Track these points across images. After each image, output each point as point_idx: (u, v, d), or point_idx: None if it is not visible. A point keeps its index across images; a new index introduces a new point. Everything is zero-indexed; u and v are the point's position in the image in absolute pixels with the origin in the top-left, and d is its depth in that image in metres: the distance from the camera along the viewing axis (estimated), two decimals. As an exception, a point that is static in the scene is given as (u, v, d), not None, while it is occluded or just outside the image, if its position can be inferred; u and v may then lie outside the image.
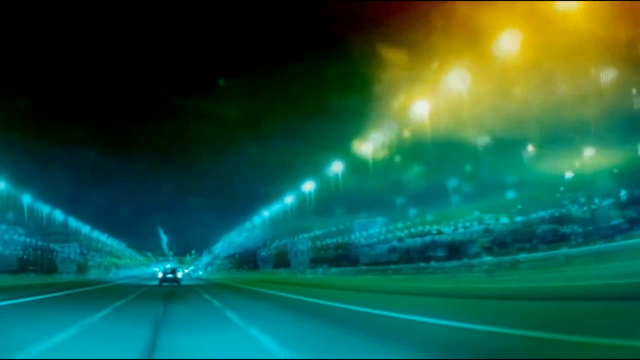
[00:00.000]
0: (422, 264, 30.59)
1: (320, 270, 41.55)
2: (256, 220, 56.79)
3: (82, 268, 51.98)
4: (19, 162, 39.47)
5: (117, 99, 47.04)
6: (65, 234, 51.24)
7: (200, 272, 66.82)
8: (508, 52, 22.68)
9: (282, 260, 47.69)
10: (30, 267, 45.28)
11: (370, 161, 35.11)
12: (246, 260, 57.94)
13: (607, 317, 8.36)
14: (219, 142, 49.47)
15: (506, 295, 14.11)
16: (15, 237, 44.83)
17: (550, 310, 10.59)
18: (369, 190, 36.08)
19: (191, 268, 67.15)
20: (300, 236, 46.74)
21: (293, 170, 44.54)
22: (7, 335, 8.65)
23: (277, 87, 41.62)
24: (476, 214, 29.69)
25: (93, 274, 52.90)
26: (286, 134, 42.32)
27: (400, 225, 35.82)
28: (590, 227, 22.66)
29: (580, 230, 23.08)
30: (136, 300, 18.34)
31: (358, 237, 40.10)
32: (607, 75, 20.47)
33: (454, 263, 27.77)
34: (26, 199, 44.46)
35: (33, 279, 40.98)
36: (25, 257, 45.34)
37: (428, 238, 32.45)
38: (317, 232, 45.04)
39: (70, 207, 50.52)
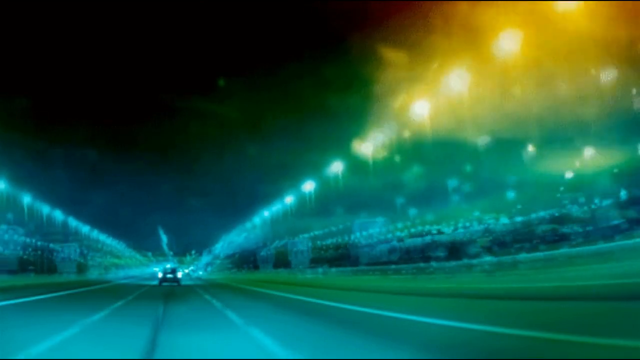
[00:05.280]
0: (422, 264, 30.64)
1: (320, 270, 41.58)
2: (256, 220, 56.82)
3: (82, 268, 52.15)
4: (19, 162, 39.50)
5: (117, 99, 47.07)
6: (65, 234, 51.34)
7: (200, 272, 66.81)
8: (508, 52, 22.68)
9: (282, 261, 47.77)
10: (30, 267, 45.38)
11: (371, 161, 35.13)
12: (246, 260, 57.94)
13: (607, 317, 8.37)
14: (219, 142, 49.51)
15: (506, 296, 14.11)
16: (15, 237, 44.96)
17: (550, 310, 10.60)
18: (369, 190, 36.11)
19: (191, 268, 67.14)
20: (301, 236, 46.82)
21: (293, 170, 44.58)
22: (8, 335, 8.67)
23: (277, 87, 41.65)
24: (476, 214, 29.77)
25: (93, 274, 53.02)
26: (286, 134, 42.36)
27: (400, 225, 35.94)
28: (590, 227, 22.72)
29: (580, 230, 23.14)
30: (136, 300, 18.35)
31: (358, 237, 40.17)
32: (607, 75, 20.49)
33: (453, 263, 27.79)
34: (26, 199, 44.51)
35: (32, 278, 41.17)
36: (25, 257, 45.53)
37: (428, 238, 32.54)
38: (317, 232, 45.07)
39: (71, 207, 50.57)
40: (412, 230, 34.47)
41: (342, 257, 40.50)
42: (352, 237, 40.67)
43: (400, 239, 35.28)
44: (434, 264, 29.47)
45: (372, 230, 38.75)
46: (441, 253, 30.15)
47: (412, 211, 34.44)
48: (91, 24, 38.05)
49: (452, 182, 29.80)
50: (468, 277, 23.70)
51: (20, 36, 36.01)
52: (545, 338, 6.88)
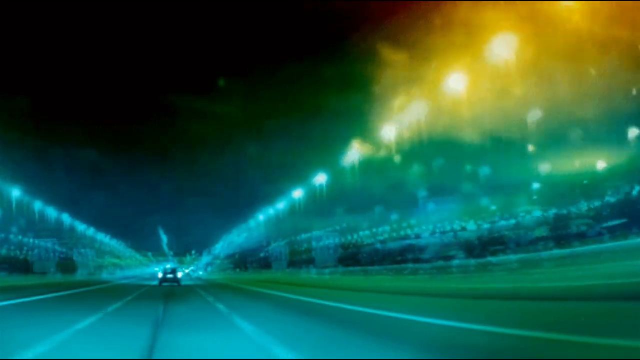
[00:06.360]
0: (410, 265, 31.33)
1: (313, 271, 42.16)
2: (256, 220, 56.89)
3: (94, 269, 53.61)
4: (19, 162, 39.51)
5: (117, 99, 47.05)
6: (71, 238, 51.85)
7: (200, 272, 66.82)
8: (507, 53, 22.71)
9: (266, 263, 49.07)
10: (52, 269, 47.11)
11: (370, 161, 35.23)
12: (246, 260, 58.09)
13: (607, 317, 8.38)
14: (219, 142, 49.49)
15: (499, 295, 14.27)
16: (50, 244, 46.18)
17: (541, 310, 10.74)
18: (368, 190, 36.17)
19: (191, 268, 67.13)
20: (298, 237, 47.25)
21: (293, 170, 44.60)
22: (8, 334, 8.68)
23: (277, 87, 41.67)
24: (454, 218, 30.45)
25: (103, 275, 54.06)
26: (286, 134, 42.39)
27: (388, 228, 36.61)
28: (562, 232, 23.24)
29: (552, 234, 23.71)
30: (136, 300, 18.37)
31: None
32: (605, 76, 20.52)
33: (435, 264, 28.63)
34: (26, 199, 44.71)
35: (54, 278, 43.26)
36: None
37: (407, 242, 33.44)
38: (316, 233, 45.14)
39: (71, 208, 50.68)
40: (396, 234, 35.37)
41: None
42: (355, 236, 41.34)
43: (383, 242, 36.07)
44: (410, 265, 30.26)
45: (326, 242, 42.13)
46: (423, 255, 30.93)
47: (409, 212, 34.99)
48: (91, 23, 38.07)
49: (450, 184, 30.13)
50: (447, 277, 24.50)
51: (20, 36, 36.03)
52: (545, 338, 6.89)
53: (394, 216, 36.03)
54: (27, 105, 39.34)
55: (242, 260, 58.84)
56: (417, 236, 32.93)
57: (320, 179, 43.08)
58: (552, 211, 24.80)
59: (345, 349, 7.15)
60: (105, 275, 55.79)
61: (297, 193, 46.42)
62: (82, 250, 55.99)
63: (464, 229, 29.66)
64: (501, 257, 24.29)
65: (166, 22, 39.73)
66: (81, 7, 35.56)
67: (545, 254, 21.92)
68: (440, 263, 28.07)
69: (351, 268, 38.53)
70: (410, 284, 23.09)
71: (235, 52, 41.63)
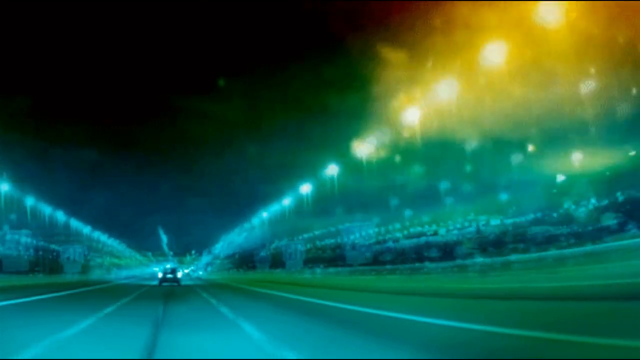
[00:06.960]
0: (417, 265, 30.87)
1: (318, 270, 41.77)
2: (256, 220, 56.87)
3: (85, 269, 53.36)
4: (19, 162, 39.51)
5: (117, 99, 47.08)
6: (67, 235, 51.73)
7: (200, 272, 66.84)
8: (506, 53, 22.71)
9: (278, 261, 48.22)
10: (37, 268, 47.10)
11: (371, 162, 35.21)
12: (246, 260, 58.02)
13: (606, 317, 8.38)
14: (219, 142, 49.56)
15: (499, 295, 14.20)
16: (23, 239, 45.89)
17: (541, 310, 10.69)
18: (369, 190, 36.15)
19: (191, 268, 67.17)
20: (300, 237, 46.96)
21: (293, 171, 44.59)
22: (9, 333, 8.68)
23: (277, 87, 41.69)
24: (470, 215, 30.08)
25: (96, 274, 53.78)
26: (286, 134, 42.39)
27: (398, 226, 36.20)
28: (581, 229, 22.94)
29: (571, 231, 23.36)
30: (136, 300, 18.37)
31: (358, 237, 40.36)
32: (604, 77, 20.52)
33: (448, 264, 28.04)
34: (27, 199, 44.70)
35: (41, 278, 43.14)
36: (32, 258, 47.05)
37: (423, 239, 32.93)
38: (317, 232, 45.09)
39: (71, 207, 50.66)
40: (411, 230, 34.74)
41: (339, 257, 40.75)
42: (351, 237, 40.90)
43: (396, 240, 35.66)
44: (428, 264, 29.68)
45: (358, 234, 39.50)
46: (435, 254, 30.45)
47: (408, 212, 34.75)
48: (91, 23, 38.07)
49: (446, 184, 29.99)
50: (461, 277, 23.95)
51: (21, 36, 36.03)
52: (545, 338, 6.89)
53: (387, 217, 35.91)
54: (27, 105, 39.39)
55: (242, 260, 58.78)
56: (434, 233, 32.45)
57: (314, 183, 43.14)
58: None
59: (346, 349, 7.15)
60: (112, 275, 56.82)
61: (297, 194, 46.42)
62: (94, 253, 56.54)
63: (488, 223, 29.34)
64: (520, 256, 23.84)
65: (166, 22, 39.76)
66: (82, 7, 35.59)
67: (566, 251, 21.59)
68: (459, 262, 27.51)
69: (347, 268, 38.43)
70: (409, 285, 23.05)
71: (235, 52, 41.67)
